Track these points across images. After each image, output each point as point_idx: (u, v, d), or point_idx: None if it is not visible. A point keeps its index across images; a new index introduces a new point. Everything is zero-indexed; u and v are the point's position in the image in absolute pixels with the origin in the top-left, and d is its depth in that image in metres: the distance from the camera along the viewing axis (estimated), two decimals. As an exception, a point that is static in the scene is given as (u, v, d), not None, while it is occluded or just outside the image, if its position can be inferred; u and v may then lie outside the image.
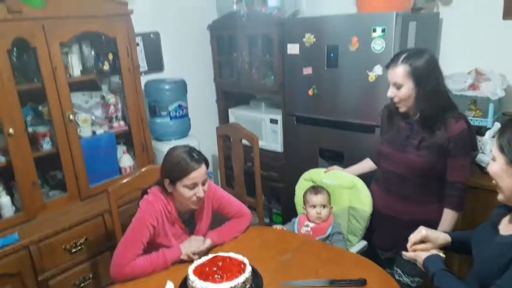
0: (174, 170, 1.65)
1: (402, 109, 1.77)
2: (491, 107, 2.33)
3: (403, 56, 1.70)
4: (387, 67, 1.75)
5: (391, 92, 1.75)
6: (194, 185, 1.66)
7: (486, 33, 2.50)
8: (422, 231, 1.39)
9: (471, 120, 2.36)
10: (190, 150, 1.70)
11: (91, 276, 2.27)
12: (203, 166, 1.68)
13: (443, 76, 1.75)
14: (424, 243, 1.39)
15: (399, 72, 1.69)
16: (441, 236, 1.42)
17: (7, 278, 1.96)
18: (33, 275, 2.04)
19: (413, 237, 1.40)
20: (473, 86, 2.38)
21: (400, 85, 1.70)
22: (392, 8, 2.25)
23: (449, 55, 2.65)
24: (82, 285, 2.23)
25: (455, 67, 2.52)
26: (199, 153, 1.71)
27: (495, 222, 1.28)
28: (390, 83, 1.74)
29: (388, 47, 2.25)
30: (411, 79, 1.68)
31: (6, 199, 2.10)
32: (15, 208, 2.15)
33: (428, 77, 1.67)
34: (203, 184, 1.70)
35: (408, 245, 1.40)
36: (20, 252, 1.99)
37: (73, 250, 2.18)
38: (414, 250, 1.39)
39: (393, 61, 1.72)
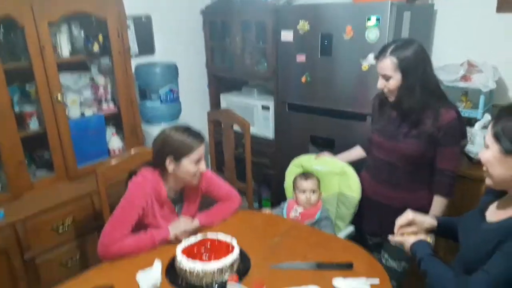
0: (181, 146, 1.67)
1: (391, 98, 1.78)
2: (482, 99, 2.35)
3: (391, 48, 1.70)
4: (376, 58, 1.76)
5: (381, 83, 1.76)
6: (199, 160, 1.70)
7: (480, 25, 2.51)
8: (409, 214, 1.41)
9: (462, 111, 2.36)
10: (190, 128, 1.75)
11: (78, 256, 2.25)
12: (204, 143, 1.74)
13: (431, 66, 1.75)
14: (411, 226, 1.41)
15: (387, 64, 1.70)
16: (427, 220, 1.44)
17: (-8, 256, 1.95)
18: (19, 253, 2.02)
19: (400, 220, 1.42)
20: (464, 78, 2.40)
21: (389, 77, 1.71)
22: (387, -3, 2.24)
23: (442, 46, 2.66)
24: (69, 265, 2.21)
25: (448, 59, 2.54)
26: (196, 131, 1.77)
27: (482, 209, 1.29)
28: (380, 75, 1.75)
29: (382, 37, 2.25)
30: (399, 71, 1.69)
31: (-8, 178, 2.07)
32: (1, 186, 2.12)
33: (415, 67, 1.68)
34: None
35: (395, 228, 1.42)
36: (6, 230, 1.97)
37: (60, 230, 2.16)
38: (402, 234, 1.41)
39: (382, 52, 1.72)
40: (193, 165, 1.69)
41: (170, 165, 1.68)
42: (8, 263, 1.99)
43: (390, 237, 1.44)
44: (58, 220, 2.15)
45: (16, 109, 2.19)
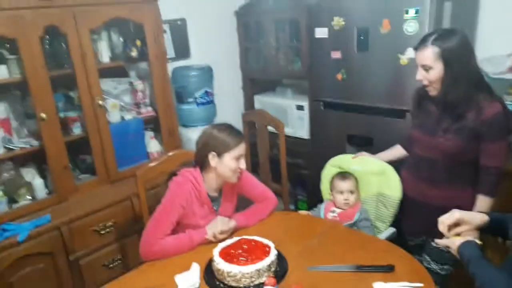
0: (224, 142, 1.72)
1: (433, 92, 1.70)
2: (531, 91, 2.20)
3: (433, 37, 1.62)
4: (415, 49, 1.68)
5: (420, 74, 1.67)
6: (240, 157, 1.74)
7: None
8: (455, 214, 1.32)
9: (510, 104, 2.23)
10: (232, 126, 1.79)
11: (119, 257, 2.32)
12: (244, 141, 1.78)
13: (475, 57, 1.66)
14: (461, 226, 1.32)
15: (428, 54, 1.61)
16: (477, 216, 1.33)
17: (40, 257, 2.04)
18: (64, 255, 2.11)
19: (447, 220, 1.32)
20: (512, 69, 2.26)
21: (429, 67, 1.63)
22: (426, -12, 2.15)
23: (487, 37, 2.52)
24: (111, 266, 2.28)
25: (494, 50, 2.39)
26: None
27: None
28: (419, 65, 1.67)
29: (422, 29, 2.15)
30: (441, 61, 1.60)
31: (39, 182, 2.17)
32: (48, 190, 2.22)
33: (459, 58, 1.59)
34: None
35: (444, 230, 1.33)
36: (52, 232, 2.06)
37: (102, 232, 2.23)
38: (454, 234, 1.32)
39: (422, 42, 1.64)
40: (234, 162, 1.72)
41: (212, 161, 1.72)
42: (54, 264, 2.08)
43: (437, 241, 1.37)
44: (100, 223, 2.22)
45: (61, 115, 2.29)
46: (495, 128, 1.61)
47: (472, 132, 1.64)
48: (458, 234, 1.32)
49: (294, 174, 3.22)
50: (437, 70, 1.62)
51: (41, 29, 2.01)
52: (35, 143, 2.14)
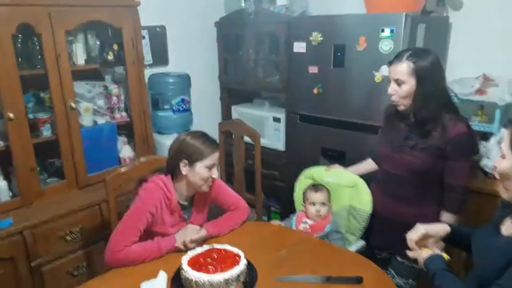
0: (197, 150, 1.69)
1: (401, 107, 1.74)
2: (497, 113, 2.29)
3: (408, 53, 1.68)
4: (390, 63, 1.73)
5: (392, 89, 1.72)
6: (212, 166, 1.71)
7: (496, 39, 2.46)
8: (420, 229, 1.37)
9: (477, 125, 2.33)
10: (207, 135, 1.77)
11: (85, 264, 2.24)
12: (218, 150, 1.76)
13: (445, 78, 1.74)
14: (427, 240, 1.36)
15: (403, 68, 1.66)
16: (440, 227, 1.39)
17: (0, 262, 1.94)
18: (26, 260, 2.01)
19: (413, 235, 1.37)
20: (480, 91, 2.35)
21: (402, 82, 1.68)
22: (401, 9, 2.22)
23: (458, 59, 2.62)
24: (75, 274, 2.20)
25: (463, 72, 2.49)
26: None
27: (497, 224, 1.24)
28: (392, 80, 1.72)
29: (396, 48, 2.22)
30: (414, 76, 1.65)
31: (3, 183, 2.09)
32: (12, 193, 2.13)
33: (430, 76, 1.65)
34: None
35: (412, 245, 1.37)
36: (14, 237, 1.97)
37: (68, 238, 2.15)
38: (419, 247, 1.36)
39: (398, 57, 1.70)
40: (206, 171, 1.70)
41: (183, 169, 1.69)
42: (14, 270, 1.99)
43: (407, 253, 1.39)
44: (66, 229, 2.15)
45: (30, 116, 2.21)
46: (459, 148, 1.66)
47: (437, 150, 1.68)
48: (425, 246, 1.36)
49: (268, 186, 3.21)
50: (410, 85, 1.67)
51: (14, 27, 1.95)
52: (0, 143, 2.06)
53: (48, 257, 2.10)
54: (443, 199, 1.74)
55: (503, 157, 1.15)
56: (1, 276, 1.95)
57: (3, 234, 1.94)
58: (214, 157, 1.71)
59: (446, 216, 1.73)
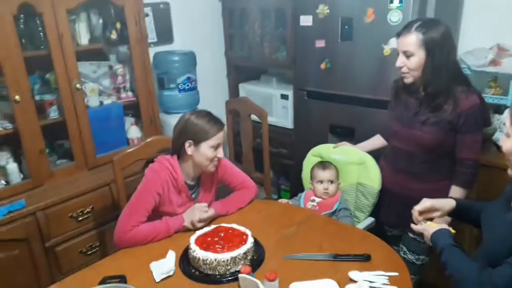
0: (202, 130, 1.67)
1: (409, 79, 1.69)
2: (512, 84, 2.22)
3: (417, 24, 1.61)
4: (398, 34, 1.66)
5: (400, 61, 1.66)
6: (218, 146, 1.69)
7: (511, 6, 2.35)
8: (426, 202, 1.35)
9: (490, 97, 2.26)
10: (211, 114, 1.74)
11: (98, 244, 2.28)
12: (223, 129, 1.73)
13: (456, 50, 1.68)
14: (432, 213, 1.36)
15: (412, 40, 1.60)
16: (447, 202, 1.38)
17: (15, 243, 1.99)
18: (40, 241, 2.06)
19: (418, 207, 1.36)
20: (494, 62, 2.27)
21: (411, 54, 1.62)
22: (411, -23, 2.13)
23: (471, 30, 2.52)
24: (88, 253, 2.25)
25: (477, 42, 2.41)
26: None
27: (508, 199, 1.21)
28: (400, 52, 1.66)
29: (406, 19, 2.13)
30: (423, 48, 1.60)
31: (13, 166, 2.11)
32: (23, 175, 2.16)
33: (440, 48, 1.59)
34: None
35: (415, 215, 1.36)
36: (27, 218, 2.01)
37: (80, 218, 2.19)
38: (423, 219, 1.35)
39: (406, 28, 1.64)
40: (212, 151, 1.68)
41: (189, 150, 1.68)
42: (29, 250, 2.04)
43: (412, 226, 1.38)
44: (78, 209, 2.18)
45: (37, 97, 2.21)
46: (471, 120, 1.62)
47: (449, 124, 1.64)
48: (431, 220, 1.34)
49: (277, 164, 3.21)
50: (419, 57, 1.61)
51: (15, 7, 1.93)
52: (8, 125, 2.07)
53: (61, 238, 2.14)
54: (455, 173, 1.71)
55: (508, 135, 1.11)
56: (17, 256, 2.01)
57: (16, 216, 1.97)
58: (219, 137, 1.69)
59: (456, 190, 1.70)
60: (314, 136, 2.70)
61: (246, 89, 3.32)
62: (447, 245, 1.21)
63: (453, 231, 1.29)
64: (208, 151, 1.68)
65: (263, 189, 2.78)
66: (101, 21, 2.39)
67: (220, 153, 1.72)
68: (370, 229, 1.97)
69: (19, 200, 2.03)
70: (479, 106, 1.62)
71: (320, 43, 2.54)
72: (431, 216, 1.37)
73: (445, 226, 1.30)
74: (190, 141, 1.67)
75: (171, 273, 1.44)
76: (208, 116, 1.71)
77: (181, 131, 1.70)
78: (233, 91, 3.47)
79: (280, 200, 2.09)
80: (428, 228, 1.30)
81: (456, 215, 1.40)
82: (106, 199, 2.29)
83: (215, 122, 1.70)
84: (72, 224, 2.17)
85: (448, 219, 1.43)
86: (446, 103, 1.63)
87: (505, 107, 2.26)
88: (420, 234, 1.38)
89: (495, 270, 1.06)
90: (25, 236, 2.01)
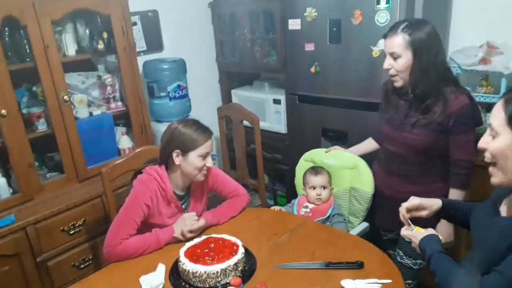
0: (189, 139, 1.64)
1: (398, 83, 1.67)
2: (503, 82, 2.19)
3: (403, 25, 1.60)
4: (385, 36, 1.65)
5: (388, 63, 1.64)
6: (206, 155, 1.67)
7: (499, 3, 2.34)
8: (414, 200, 1.34)
9: (482, 96, 2.24)
10: (199, 122, 1.72)
11: (90, 257, 2.25)
12: (211, 138, 1.71)
13: (443, 50, 1.66)
14: (419, 212, 1.34)
15: (398, 41, 1.59)
16: (435, 201, 1.35)
17: (5, 259, 1.96)
18: (31, 256, 2.03)
19: (405, 204, 1.34)
20: (484, 61, 2.25)
21: (397, 55, 1.60)
22: (398, -22, 2.12)
23: (460, 28, 2.51)
24: (82, 266, 2.22)
25: (466, 41, 2.39)
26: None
27: (495, 203, 1.17)
28: (387, 54, 1.64)
29: (393, 20, 2.11)
30: (410, 49, 1.58)
31: (2, 181, 2.08)
32: (12, 190, 2.13)
33: (428, 49, 1.57)
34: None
35: (401, 212, 1.34)
36: (17, 233, 1.98)
37: (72, 232, 2.16)
38: (410, 218, 1.33)
39: (392, 29, 1.62)
40: (200, 160, 1.66)
41: (176, 159, 1.66)
42: (20, 265, 2.01)
43: (401, 232, 1.36)
44: (69, 222, 2.15)
45: (24, 110, 2.19)
46: (462, 120, 1.60)
47: (439, 126, 1.62)
48: (422, 226, 1.31)
49: (273, 169, 3.19)
50: (406, 59, 1.59)
51: (-2, 21, 1.91)
52: (-5, 140, 2.04)
53: (53, 252, 2.11)
54: (449, 175, 1.69)
55: (494, 135, 1.04)
56: (8, 272, 1.98)
57: (6, 231, 1.95)
58: (207, 146, 1.67)
59: (454, 193, 1.68)
60: (307, 140, 2.68)
61: (238, 95, 3.31)
62: (435, 252, 1.18)
63: (441, 237, 1.26)
64: (196, 160, 1.65)
65: (257, 196, 2.76)
66: (87, 31, 2.37)
67: (209, 162, 1.69)
68: (365, 234, 1.95)
69: (8, 215, 2.00)
70: (469, 106, 1.60)
71: (309, 47, 2.52)
72: (419, 215, 1.34)
73: (434, 232, 1.27)
74: (178, 150, 1.65)
75: (161, 287, 1.42)
76: (196, 124, 1.69)
77: (169, 140, 1.68)
78: (226, 97, 3.45)
79: (273, 207, 2.06)
80: (417, 234, 1.27)
81: (443, 215, 1.38)
82: (98, 211, 2.27)
83: (202, 131, 1.67)
84: (63, 238, 2.14)
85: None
86: (436, 105, 1.61)
87: (497, 105, 2.24)
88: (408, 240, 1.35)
89: (483, 278, 1.03)
90: (15, 251, 1.98)
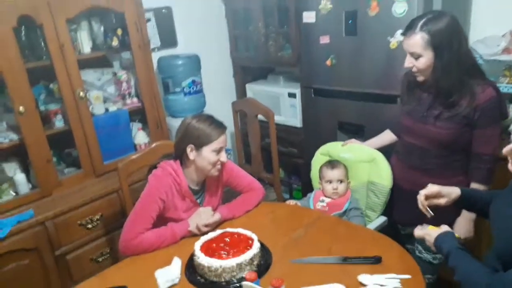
0: (203, 134, 1.64)
1: (421, 78, 1.62)
2: (527, 72, 2.12)
3: (421, 22, 1.53)
4: (403, 34, 1.59)
5: (409, 61, 1.59)
6: (220, 149, 1.66)
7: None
8: (433, 187, 1.31)
9: (505, 87, 2.16)
10: (213, 117, 1.71)
11: (108, 251, 2.28)
12: (225, 133, 1.70)
13: (467, 41, 1.58)
14: (438, 199, 1.32)
15: (417, 41, 1.53)
16: (454, 190, 1.32)
17: (24, 253, 2.00)
18: (50, 250, 2.07)
19: (425, 191, 1.31)
20: (507, 50, 2.18)
21: (418, 55, 1.55)
22: (416, -34, 2.05)
23: (482, 17, 2.42)
24: (99, 260, 2.24)
25: (489, 30, 2.31)
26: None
27: None
28: (407, 52, 1.59)
29: (411, 11, 2.06)
30: (431, 49, 1.52)
31: (21, 176, 2.12)
32: (31, 185, 2.17)
33: (449, 45, 1.51)
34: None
35: (420, 199, 1.31)
36: (36, 227, 2.01)
37: (89, 226, 2.19)
38: (428, 205, 1.30)
39: (410, 28, 1.55)
40: (214, 155, 1.65)
41: (191, 154, 1.66)
42: (40, 260, 2.04)
43: (415, 233, 1.33)
44: (87, 217, 2.18)
45: (42, 107, 2.22)
46: (489, 114, 1.55)
47: (464, 119, 1.57)
48: (435, 225, 1.28)
49: (288, 163, 3.17)
50: (427, 58, 1.54)
51: (15, 20, 1.93)
52: (14, 137, 2.08)
53: (71, 246, 2.14)
54: (471, 169, 1.64)
55: None
56: (28, 266, 2.01)
57: (25, 226, 1.98)
58: (221, 140, 1.66)
59: (476, 187, 1.62)
60: (323, 134, 2.65)
61: (253, 89, 3.29)
62: (453, 248, 1.14)
63: (457, 234, 1.22)
64: (210, 155, 1.65)
65: (273, 190, 2.74)
66: (102, 28, 2.39)
67: (223, 156, 1.68)
68: (382, 228, 1.91)
69: (27, 210, 2.03)
70: (496, 98, 1.54)
71: (325, 39, 2.48)
72: (438, 202, 1.31)
73: (448, 229, 1.23)
74: (192, 145, 1.65)
75: (176, 281, 1.42)
76: (210, 119, 1.68)
77: (183, 135, 1.67)
78: (240, 92, 3.44)
79: (288, 201, 2.04)
80: (431, 232, 1.24)
81: (462, 204, 1.35)
82: (115, 206, 2.29)
83: (216, 126, 1.67)
84: (81, 232, 2.17)
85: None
86: (462, 98, 1.56)
87: (521, 96, 2.17)
88: (422, 239, 1.32)
89: (505, 274, 0.99)
90: (34, 245, 2.02)
